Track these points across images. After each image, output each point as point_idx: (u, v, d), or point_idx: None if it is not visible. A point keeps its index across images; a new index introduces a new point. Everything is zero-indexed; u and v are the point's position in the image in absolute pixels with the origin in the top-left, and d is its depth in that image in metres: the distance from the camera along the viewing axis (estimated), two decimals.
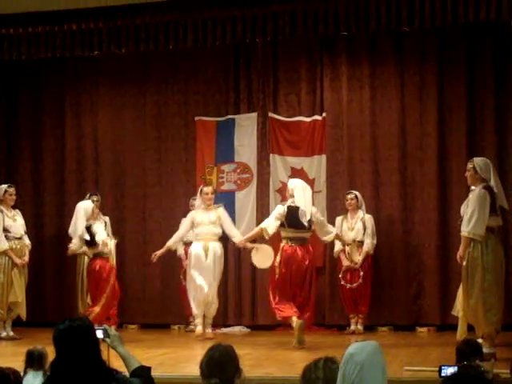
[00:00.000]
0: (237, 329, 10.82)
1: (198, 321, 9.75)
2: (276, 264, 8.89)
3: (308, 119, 10.97)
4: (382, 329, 10.45)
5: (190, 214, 9.95)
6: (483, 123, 10.41)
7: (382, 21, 9.16)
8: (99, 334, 3.98)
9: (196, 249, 9.77)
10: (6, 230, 10.02)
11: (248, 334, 10.63)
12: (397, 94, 10.70)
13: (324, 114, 10.89)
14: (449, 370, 4.27)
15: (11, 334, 9.95)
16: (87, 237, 9.76)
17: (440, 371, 4.46)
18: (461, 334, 8.02)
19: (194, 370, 6.97)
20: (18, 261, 10.01)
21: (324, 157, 10.88)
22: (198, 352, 8.63)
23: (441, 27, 9.85)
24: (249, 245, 9.48)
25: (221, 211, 9.90)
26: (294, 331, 8.67)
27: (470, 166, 8.22)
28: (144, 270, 11.20)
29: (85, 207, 9.94)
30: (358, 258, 10.17)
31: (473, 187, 8.15)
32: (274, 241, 9.23)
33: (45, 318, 11.12)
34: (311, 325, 9.51)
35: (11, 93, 11.93)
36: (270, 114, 11.05)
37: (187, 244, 10.54)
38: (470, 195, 8.10)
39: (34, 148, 11.84)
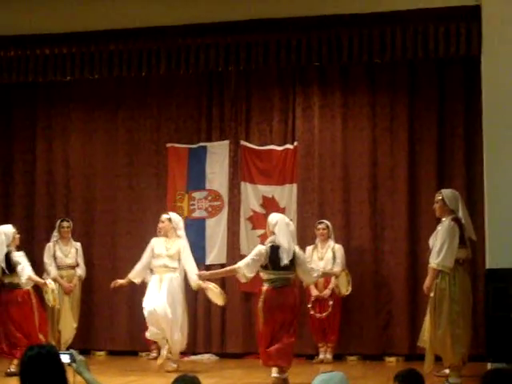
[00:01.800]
0: (206, 357, 10.76)
1: (162, 351, 9.44)
2: (259, 308, 8.28)
3: (280, 148, 11.01)
4: (350, 358, 10.42)
5: (151, 243, 9.69)
6: (452, 154, 10.50)
7: (354, 52, 9.29)
8: (65, 358, 3.96)
9: (152, 281, 9.53)
10: None
11: (217, 361, 10.59)
12: (368, 124, 10.77)
13: (295, 143, 10.94)
14: None
15: None
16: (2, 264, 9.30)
17: None
18: (428, 365, 8.03)
19: None
20: None
21: (295, 186, 10.91)
22: (165, 380, 8.58)
23: (412, 59, 9.98)
24: (203, 285, 9.23)
25: (182, 245, 9.60)
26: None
27: (438, 197, 8.31)
28: (112, 296, 11.12)
29: (5, 232, 9.51)
30: (348, 289, 9.98)
31: (443, 219, 8.23)
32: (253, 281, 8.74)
33: None
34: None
35: None
36: (242, 142, 11.08)
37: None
38: (439, 227, 8.19)
39: (4, 171, 11.77)
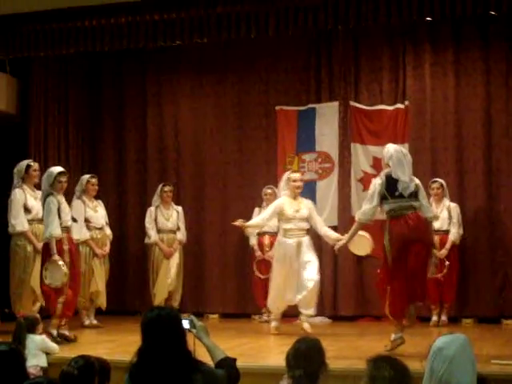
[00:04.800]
0: (318, 319, 10.72)
1: (274, 317, 9.35)
2: (385, 243, 7.32)
3: (390, 108, 10.81)
4: (466, 321, 10.25)
5: (278, 203, 9.12)
6: None
7: (468, 5, 8.88)
8: (185, 324, 3.99)
9: (288, 247, 9.01)
10: (86, 220, 10.00)
11: (329, 324, 10.55)
12: (482, 80, 10.46)
13: (406, 103, 10.71)
14: None
15: (94, 322, 10.04)
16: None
17: None
18: None
19: (275, 360, 6.96)
20: (98, 251, 10.05)
21: (406, 145, 10.65)
22: (279, 342, 8.61)
23: None
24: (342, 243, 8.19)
25: (311, 207, 9.19)
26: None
27: None
28: (224, 259, 11.24)
29: (49, 171, 8.56)
30: (433, 271, 9.15)
31: None
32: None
33: (125, 308, 11.30)
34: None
35: (94, 83, 12.09)
36: (352, 103, 10.93)
37: (260, 235, 10.47)
38: None
39: (116, 138, 12.00)
